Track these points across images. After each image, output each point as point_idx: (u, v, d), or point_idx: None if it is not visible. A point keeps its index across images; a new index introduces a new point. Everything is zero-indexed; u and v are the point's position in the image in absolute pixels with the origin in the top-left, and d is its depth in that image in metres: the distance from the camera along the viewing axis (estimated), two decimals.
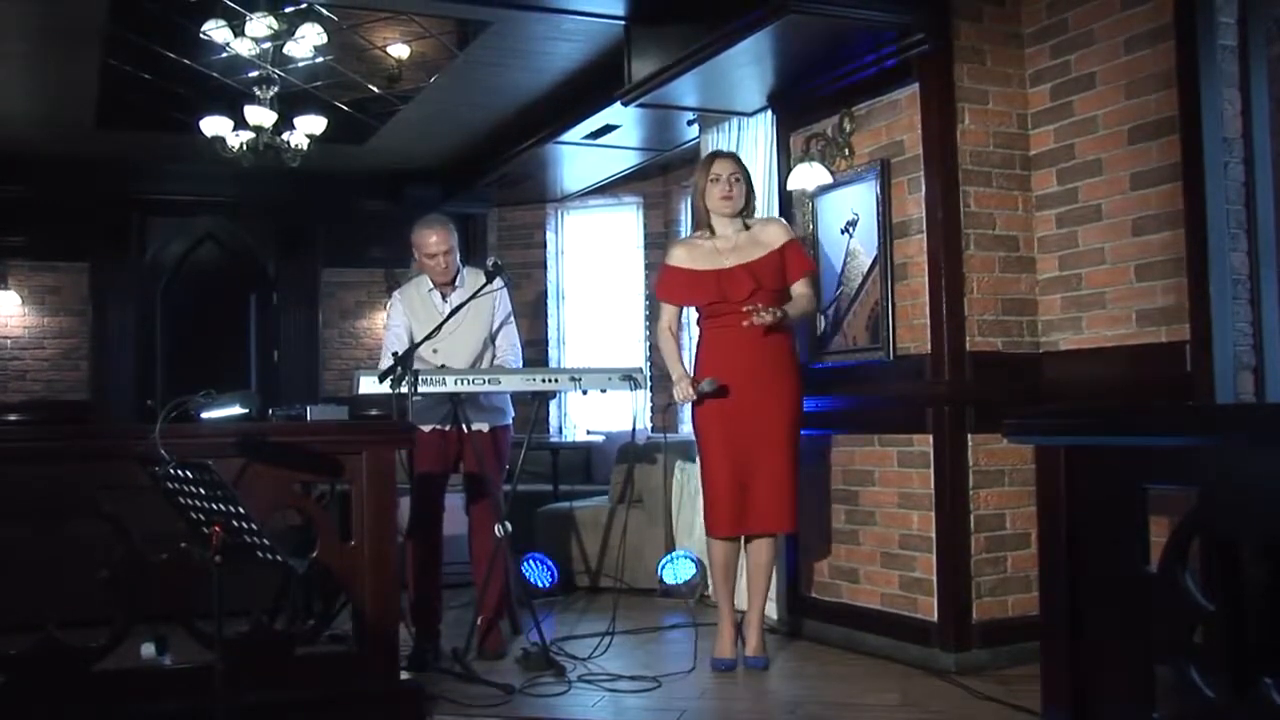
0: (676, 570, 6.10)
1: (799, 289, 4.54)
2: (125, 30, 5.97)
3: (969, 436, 4.40)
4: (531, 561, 6.28)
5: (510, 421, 5.00)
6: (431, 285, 4.90)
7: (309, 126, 6.68)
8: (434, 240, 4.81)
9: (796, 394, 4.51)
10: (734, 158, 4.66)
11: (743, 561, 4.68)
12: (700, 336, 4.64)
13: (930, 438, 4.45)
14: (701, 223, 4.61)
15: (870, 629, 4.71)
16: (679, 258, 4.60)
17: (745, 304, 4.37)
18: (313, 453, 3.70)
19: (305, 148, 6.73)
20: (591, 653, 4.67)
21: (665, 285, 4.65)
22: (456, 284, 4.88)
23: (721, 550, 4.55)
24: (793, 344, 4.56)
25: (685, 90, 5.34)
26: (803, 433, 4.58)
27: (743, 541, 4.61)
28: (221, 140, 6.62)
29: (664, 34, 5.20)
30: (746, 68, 4.99)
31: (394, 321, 4.94)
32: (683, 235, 8.89)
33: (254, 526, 2.89)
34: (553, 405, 9.39)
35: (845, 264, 4.89)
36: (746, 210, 4.58)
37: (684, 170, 8.56)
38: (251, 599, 3.72)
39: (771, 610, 4.67)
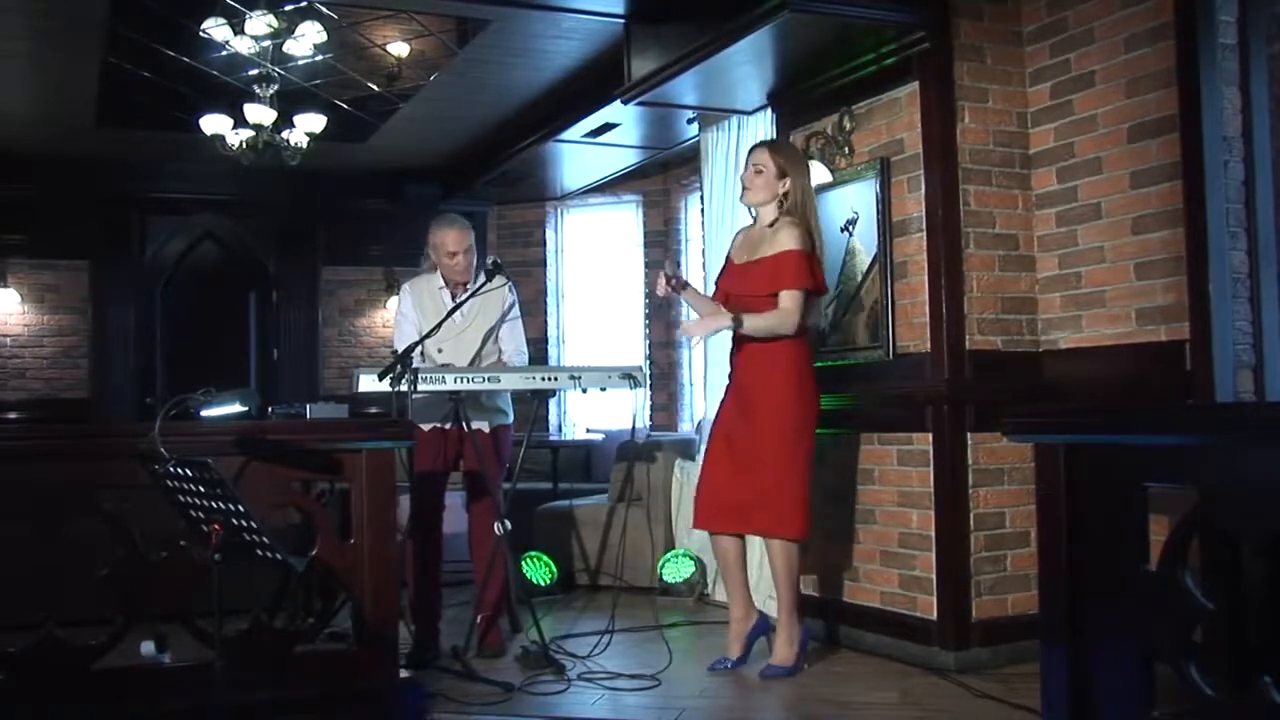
0: (676, 569, 6.11)
1: (779, 300, 4.30)
2: (125, 28, 5.97)
3: (969, 435, 4.40)
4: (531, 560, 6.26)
5: (511, 421, 4.99)
6: (442, 283, 4.90)
7: (309, 125, 6.67)
8: (453, 238, 4.81)
9: (790, 399, 4.32)
10: (766, 148, 4.43)
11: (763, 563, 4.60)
12: None
13: (930, 436, 4.45)
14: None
15: (870, 627, 4.71)
16: (733, 243, 4.60)
17: (741, 308, 4.35)
18: (312, 451, 3.69)
19: (305, 146, 6.72)
20: (591, 651, 4.67)
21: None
22: (469, 286, 4.87)
23: (718, 545, 4.49)
24: (791, 350, 4.35)
25: (685, 88, 5.34)
26: None
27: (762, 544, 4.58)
28: (221, 138, 6.61)
29: (664, 32, 5.20)
30: (746, 66, 4.99)
31: (403, 314, 4.93)
32: (683, 233, 8.94)
33: (253, 524, 2.88)
34: (552, 403, 9.40)
35: (845, 262, 4.89)
36: (781, 202, 4.36)
37: (684, 168, 8.57)
38: (251, 597, 3.71)
39: (771, 609, 4.64)
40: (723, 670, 4.41)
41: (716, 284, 4.64)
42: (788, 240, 4.31)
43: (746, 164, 4.47)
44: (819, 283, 4.39)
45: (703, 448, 4.58)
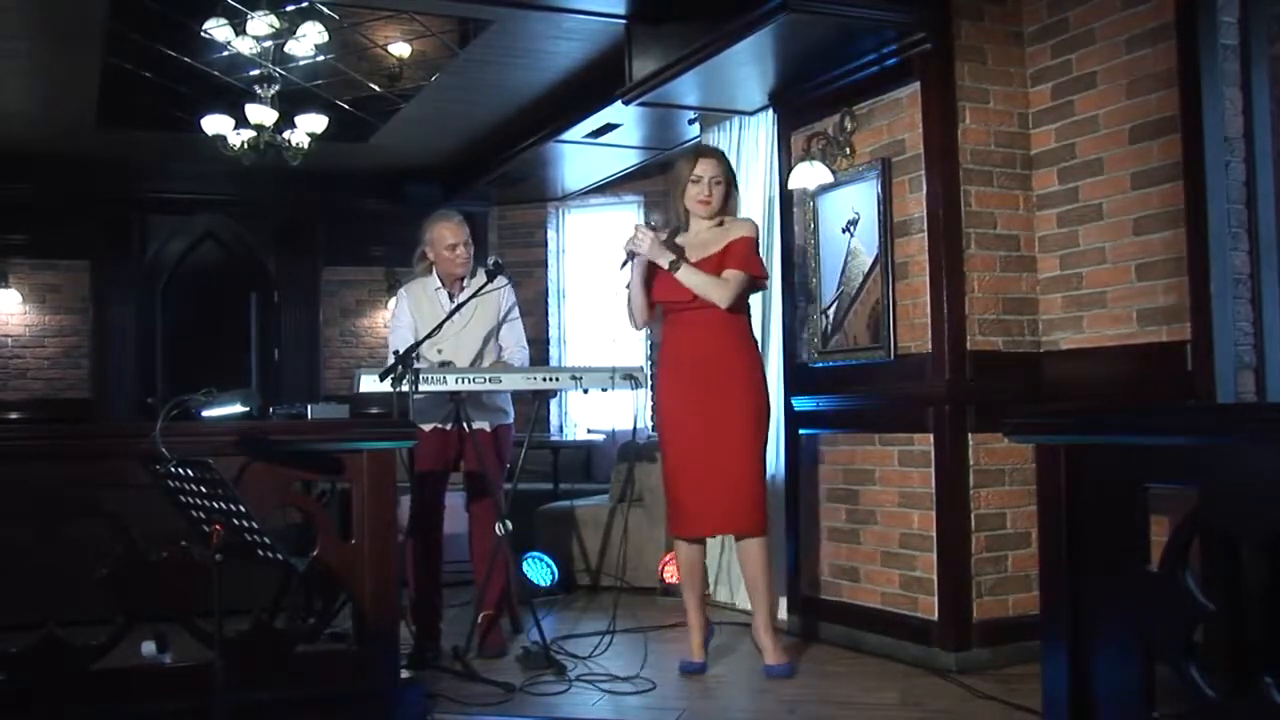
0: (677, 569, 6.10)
1: (724, 275, 4.31)
2: (126, 28, 5.97)
3: (969, 436, 4.39)
4: (532, 560, 6.28)
5: (511, 420, 5.00)
6: (439, 284, 4.89)
7: (310, 125, 6.68)
8: (451, 230, 4.82)
9: (752, 391, 4.34)
10: (720, 157, 4.47)
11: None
12: (661, 332, 4.57)
13: (931, 437, 4.44)
14: (678, 216, 4.51)
15: (871, 628, 4.70)
16: None
17: (690, 304, 4.32)
18: (313, 451, 3.69)
19: (306, 146, 6.73)
20: (592, 652, 4.67)
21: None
22: (466, 282, 4.87)
23: (684, 551, 4.48)
24: (748, 342, 4.40)
25: (686, 89, 5.34)
26: (802, 432, 4.56)
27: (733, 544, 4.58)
28: (222, 139, 6.62)
29: (665, 33, 5.20)
30: (747, 67, 4.98)
31: (399, 319, 4.92)
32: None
33: (254, 525, 2.88)
34: (553, 404, 9.39)
35: (846, 263, 4.89)
36: (725, 212, 4.44)
37: None
38: (252, 597, 3.71)
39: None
40: (695, 672, 4.40)
41: (646, 288, 4.47)
42: (745, 230, 4.41)
43: (695, 178, 4.39)
44: (765, 274, 4.53)
45: (663, 449, 4.49)
